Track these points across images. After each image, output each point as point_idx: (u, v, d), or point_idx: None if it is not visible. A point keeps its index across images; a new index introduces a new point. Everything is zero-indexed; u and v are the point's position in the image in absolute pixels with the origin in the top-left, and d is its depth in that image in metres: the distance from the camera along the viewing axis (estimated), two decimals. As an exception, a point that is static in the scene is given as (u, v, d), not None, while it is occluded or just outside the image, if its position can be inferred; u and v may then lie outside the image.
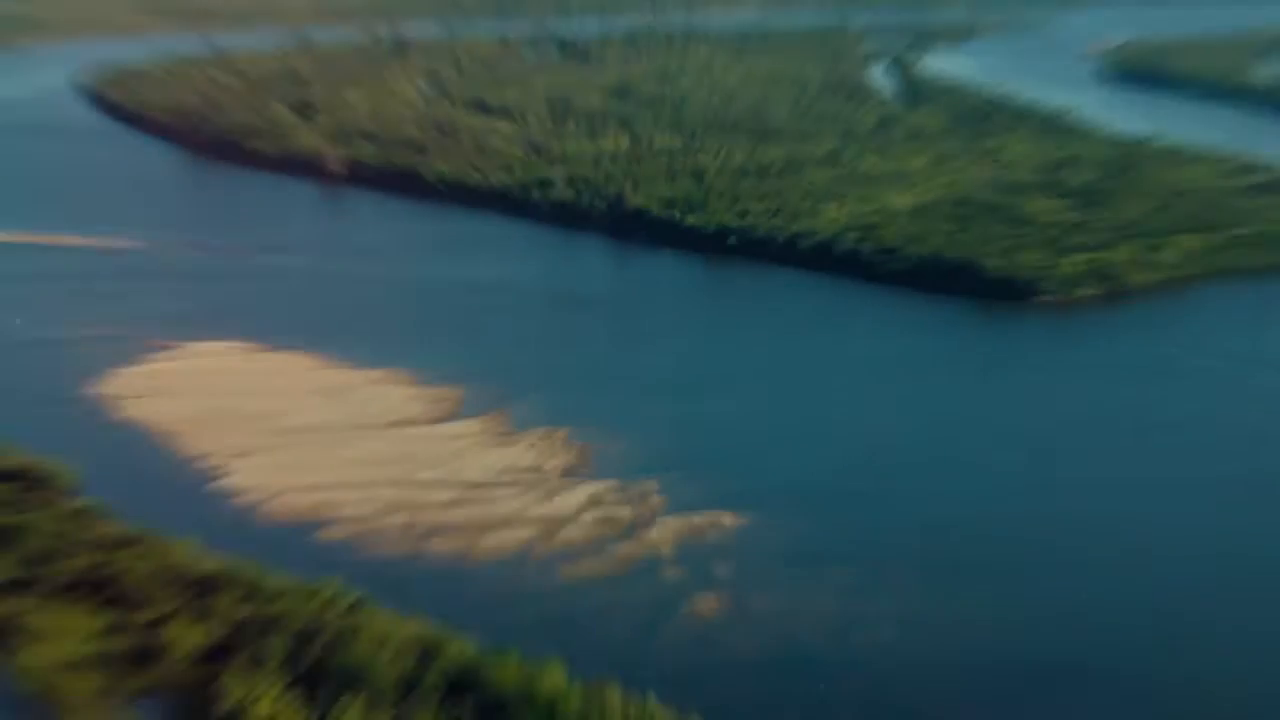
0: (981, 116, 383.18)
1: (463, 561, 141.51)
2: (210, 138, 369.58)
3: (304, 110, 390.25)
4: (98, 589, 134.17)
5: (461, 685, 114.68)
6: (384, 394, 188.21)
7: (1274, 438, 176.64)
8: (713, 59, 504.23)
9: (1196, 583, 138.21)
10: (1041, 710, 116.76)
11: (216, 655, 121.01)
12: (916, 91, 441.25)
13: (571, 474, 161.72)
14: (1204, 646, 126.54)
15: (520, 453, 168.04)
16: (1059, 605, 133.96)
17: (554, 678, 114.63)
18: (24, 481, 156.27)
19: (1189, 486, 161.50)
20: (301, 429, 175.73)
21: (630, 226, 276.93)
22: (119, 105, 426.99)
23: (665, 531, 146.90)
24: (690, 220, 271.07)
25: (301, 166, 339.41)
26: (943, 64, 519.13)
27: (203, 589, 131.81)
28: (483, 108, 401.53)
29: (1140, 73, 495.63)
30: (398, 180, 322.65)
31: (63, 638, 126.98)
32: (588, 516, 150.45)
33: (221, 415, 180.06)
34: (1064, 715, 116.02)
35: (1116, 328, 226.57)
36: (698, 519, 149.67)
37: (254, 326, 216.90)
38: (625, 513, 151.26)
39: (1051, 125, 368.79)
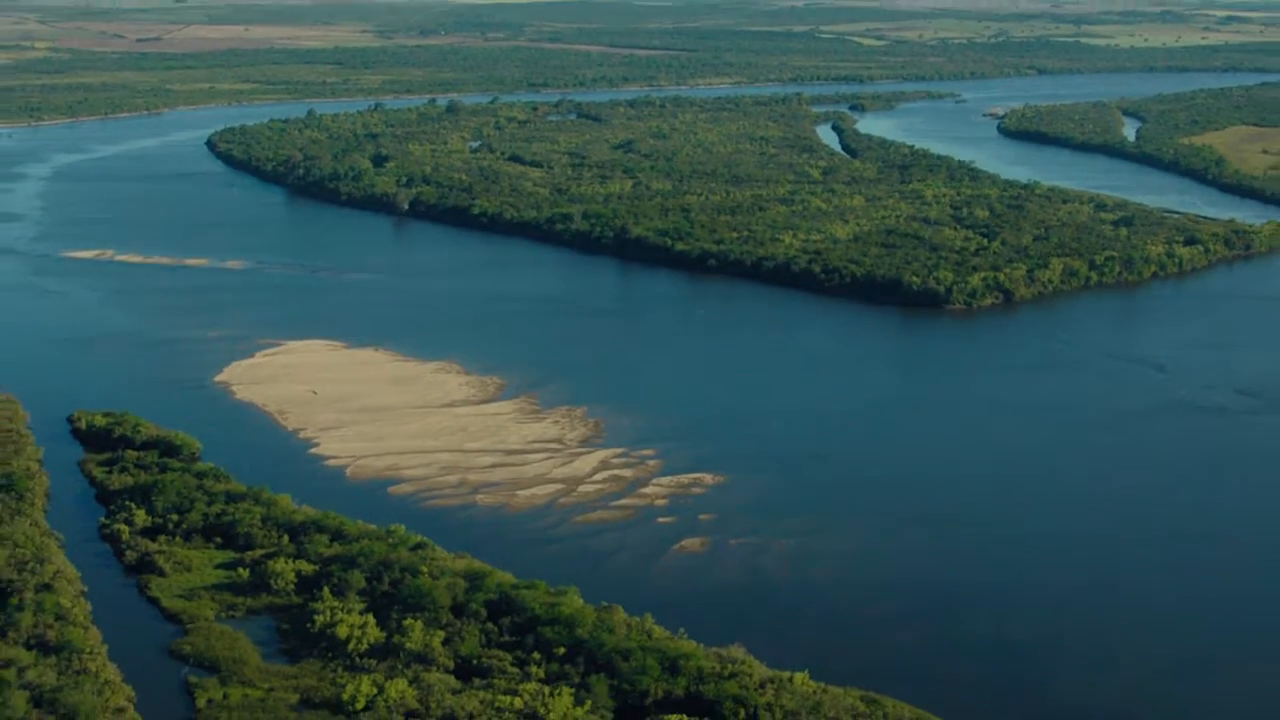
0: (904, 165, 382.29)
1: (502, 511, 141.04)
2: (306, 181, 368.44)
3: (378, 160, 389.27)
4: (218, 533, 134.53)
5: (501, 608, 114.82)
6: (441, 381, 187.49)
7: (1139, 414, 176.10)
8: (696, 121, 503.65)
9: (1072, 526, 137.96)
10: (964, 623, 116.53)
11: (310, 584, 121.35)
12: (854, 146, 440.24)
13: (587, 443, 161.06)
14: (1078, 566, 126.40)
15: (547, 426, 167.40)
16: (972, 543, 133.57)
17: (573, 601, 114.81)
18: (159, 449, 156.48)
19: (1075, 450, 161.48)
20: (376, 408, 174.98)
21: (632, 252, 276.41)
22: (234, 156, 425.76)
23: (660, 488, 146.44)
24: (679, 247, 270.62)
25: (376, 204, 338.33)
26: (874, 125, 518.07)
27: (299, 533, 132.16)
28: (517, 159, 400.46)
29: (1027, 131, 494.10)
30: (451, 215, 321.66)
31: (191, 571, 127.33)
32: (600, 476, 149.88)
33: (313, 398, 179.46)
34: (980, 625, 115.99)
35: (1011, 330, 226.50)
36: (685, 478, 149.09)
37: (339, 328, 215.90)
38: (629, 473, 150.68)
39: (959, 172, 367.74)
